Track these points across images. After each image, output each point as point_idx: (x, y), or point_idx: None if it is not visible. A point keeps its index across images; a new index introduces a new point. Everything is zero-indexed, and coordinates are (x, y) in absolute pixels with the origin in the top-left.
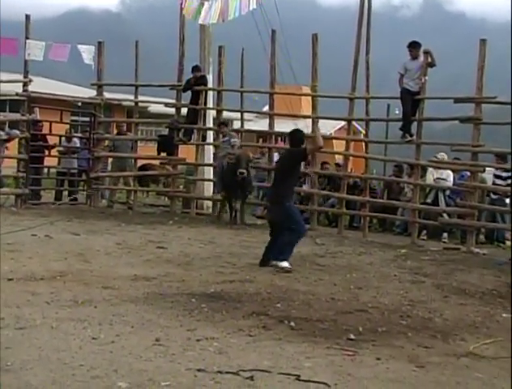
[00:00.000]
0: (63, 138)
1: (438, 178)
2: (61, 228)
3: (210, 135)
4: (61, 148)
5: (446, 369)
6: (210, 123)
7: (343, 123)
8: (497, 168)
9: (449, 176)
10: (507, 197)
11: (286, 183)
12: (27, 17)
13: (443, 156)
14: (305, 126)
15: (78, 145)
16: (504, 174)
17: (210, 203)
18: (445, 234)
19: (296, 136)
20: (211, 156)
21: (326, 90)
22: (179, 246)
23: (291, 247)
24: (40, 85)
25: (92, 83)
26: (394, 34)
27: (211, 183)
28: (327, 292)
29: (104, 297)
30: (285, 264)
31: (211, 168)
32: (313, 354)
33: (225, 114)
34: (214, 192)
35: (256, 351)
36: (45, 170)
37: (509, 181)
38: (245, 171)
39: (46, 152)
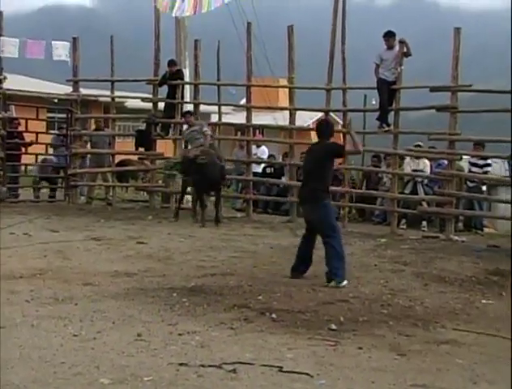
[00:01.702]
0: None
1: (415, 170)
2: (39, 226)
3: None
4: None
5: (427, 356)
6: None
7: (320, 114)
8: (472, 156)
9: (426, 167)
10: (483, 184)
11: (322, 179)
12: (0, 14)
13: (419, 144)
14: (283, 118)
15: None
16: (480, 162)
17: (190, 198)
18: (424, 223)
19: (323, 129)
20: None
21: (302, 82)
22: (159, 241)
23: (340, 259)
24: (15, 82)
25: (68, 80)
26: (370, 24)
27: None
28: (308, 284)
29: (85, 294)
30: (344, 283)
31: None
32: (295, 345)
33: (202, 108)
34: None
35: (238, 343)
36: (23, 168)
37: (485, 169)
38: (205, 157)
39: (23, 150)
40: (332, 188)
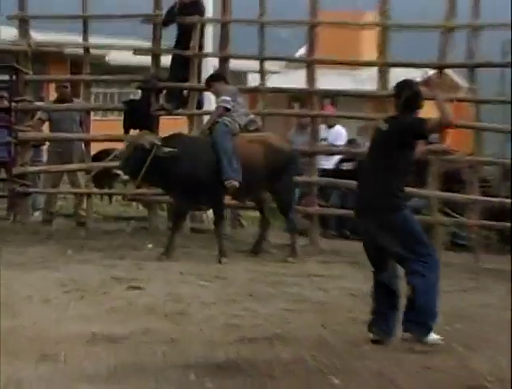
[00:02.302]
0: None
1: None
2: None
3: (210, 99)
4: None
5: None
6: None
7: (430, 72)
8: None
9: None
10: None
11: (394, 174)
12: None
13: None
14: (369, 79)
15: None
16: None
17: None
18: None
19: (407, 93)
20: None
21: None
22: (165, 286)
23: (433, 301)
24: None
25: (10, 16)
26: None
27: None
28: (417, 357)
29: (43, 375)
30: (433, 338)
31: None
32: None
33: (234, 64)
34: None
35: None
36: None
37: None
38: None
39: None
40: (449, 194)
